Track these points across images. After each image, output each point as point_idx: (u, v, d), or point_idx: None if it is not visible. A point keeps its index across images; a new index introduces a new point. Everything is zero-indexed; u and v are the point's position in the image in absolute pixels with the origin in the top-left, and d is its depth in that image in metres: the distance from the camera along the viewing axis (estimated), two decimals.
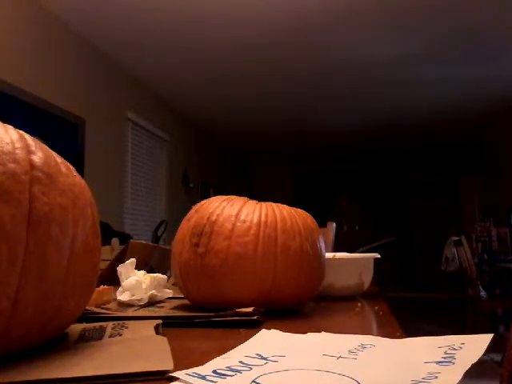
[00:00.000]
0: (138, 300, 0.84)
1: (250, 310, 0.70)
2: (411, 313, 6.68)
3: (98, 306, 0.79)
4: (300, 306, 0.88)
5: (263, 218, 0.81)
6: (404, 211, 9.27)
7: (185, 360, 0.44)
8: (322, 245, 0.89)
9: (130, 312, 0.77)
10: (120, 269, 0.89)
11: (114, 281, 1.03)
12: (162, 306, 0.85)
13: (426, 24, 3.70)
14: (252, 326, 0.67)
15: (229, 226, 0.80)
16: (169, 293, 0.91)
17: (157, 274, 0.90)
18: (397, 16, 3.54)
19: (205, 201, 0.88)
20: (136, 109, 4.59)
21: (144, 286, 0.87)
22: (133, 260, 0.91)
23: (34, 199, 0.44)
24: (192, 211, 0.86)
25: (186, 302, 0.88)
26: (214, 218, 0.81)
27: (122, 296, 0.85)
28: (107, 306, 0.83)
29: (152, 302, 0.87)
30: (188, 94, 5.18)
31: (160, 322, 0.62)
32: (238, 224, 0.80)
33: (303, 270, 0.81)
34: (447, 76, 4.85)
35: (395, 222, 9.26)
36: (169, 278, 1.22)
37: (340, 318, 0.84)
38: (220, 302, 0.77)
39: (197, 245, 0.79)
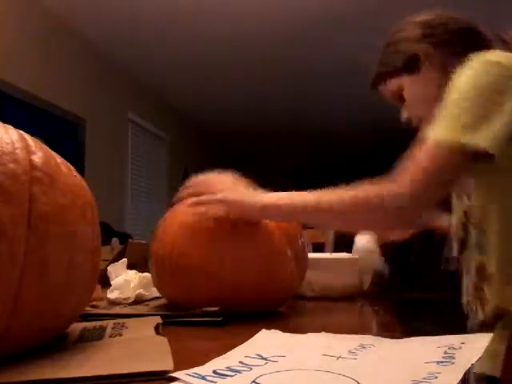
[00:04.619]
0: (124, 298, 0.87)
1: (215, 309, 0.70)
2: (411, 313, 6.67)
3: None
4: (273, 307, 0.82)
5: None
6: None
7: (185, 360, 0.44)
8: (300, 243, 0.83)
9: (116, 310, 0.80)
10: (110, 268, 0.92)
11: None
12: (147, 305, 0.86)
13: None
14: (217, 325, 0.67)
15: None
16: (156, 292, 0.92)
17: (146, 274, 0.91)
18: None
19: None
20: (136, 109, 4.58)
21: (132, 285, 0.89)
22: (124, 260, 0.94)
23: (34, 199, 0.44)
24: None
25: None
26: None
27: (111, 294, 0.88)
28: (96, 303, 0.85)
29: (139, 301, 0.89)
30: (188, 93, 5.18)
31: (160, 322, 0.62)
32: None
33: (263, 270, 0.76)
34: None
35: None
36: None
37: (340, 317, 0.84)
38: (185, 302, 0.76)
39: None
